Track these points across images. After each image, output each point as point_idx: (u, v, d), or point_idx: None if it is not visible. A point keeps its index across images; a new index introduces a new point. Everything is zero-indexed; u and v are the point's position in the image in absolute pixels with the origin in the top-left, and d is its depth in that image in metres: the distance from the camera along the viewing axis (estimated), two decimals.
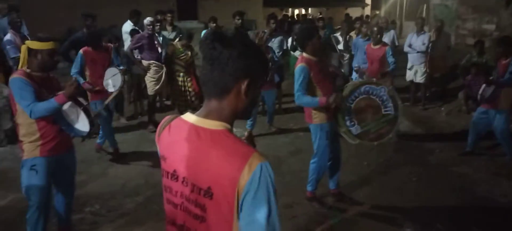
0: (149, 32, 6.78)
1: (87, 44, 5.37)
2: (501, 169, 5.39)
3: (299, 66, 3.96)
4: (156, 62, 6.90)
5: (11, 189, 4.78)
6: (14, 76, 3.20)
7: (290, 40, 8.11)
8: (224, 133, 1.39)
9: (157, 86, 7.02)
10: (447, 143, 6.40)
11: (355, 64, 7.41)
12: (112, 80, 5.20)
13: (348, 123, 4.35)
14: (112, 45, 5.80)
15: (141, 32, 7.02)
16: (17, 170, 5.31)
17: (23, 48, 3.29)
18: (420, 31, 8.24)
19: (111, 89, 5.23)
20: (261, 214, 1.28)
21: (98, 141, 5.81)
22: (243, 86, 1.39)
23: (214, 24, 8.32)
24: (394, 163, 5.69)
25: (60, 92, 3.19)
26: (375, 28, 6.79)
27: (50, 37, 3.32)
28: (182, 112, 7.38)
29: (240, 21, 7.62)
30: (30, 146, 3.28)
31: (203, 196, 1.36)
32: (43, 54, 3.20)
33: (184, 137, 1.42)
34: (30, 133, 3.26)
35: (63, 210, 3.67)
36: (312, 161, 4.34)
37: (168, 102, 8.49)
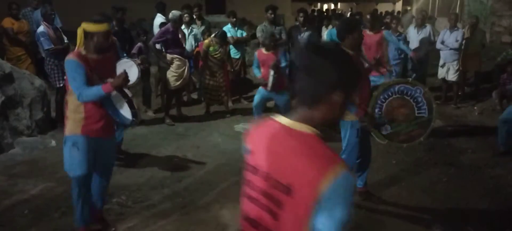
0: (175, 26, 6.78)
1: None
2: None
3: None
4: (180, 57, 6.90)
5: (41, 178, 4.90)
6: (69, 57, 3.30)
7: (325, 35, 8.04)
8: (314, 137, 1.41)
9: (179, 82, 6.97)
10: (480, 143, 6.20)
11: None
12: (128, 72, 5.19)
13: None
14: (115, 39, 5.59)
15: (166, 26, 7.01)
16: (47, 159, 5.47)
17: (80, 30, 3.34)
18: (453, 27, 7.99)
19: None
20: (337, 222, 1.29)
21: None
22: (336, 97, 1.41)
23: (234, 19, 8.24)
24: (423, 162, 5.54)
25: (108, 81, 3.27)
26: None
27: (104, 18, 3.39)
28: (209, 107, 7.40)
29: (272, 15, 7.57)
30: (74, 123, 3.38)
31: (281, 192, 1.37)
32: (99, 37, 3.28)
33: (273, 134, 1.45)
34: (76, 111, 3.37)
35: (98, 193, 3.74)
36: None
37: (195, 96, 8.53)
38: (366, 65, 4.84)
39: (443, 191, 4.76)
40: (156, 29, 7.83)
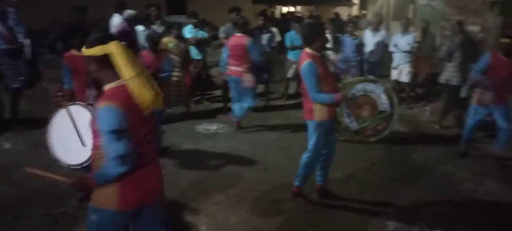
0: (130, 26, 6.67)
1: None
2: (484, 168, 5.49)
3: (307, 63, 3.90)
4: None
5: None
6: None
7: (288, 37, 8.18)
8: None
9: None
10: (431, 142, 6.50)
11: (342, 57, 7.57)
12: None
13: (346, 119, 4.39)
14: None
15: (122, 26, 6.88)
16: (1, 162, 5.28)
17: None
18: (405, 31, 8.34)
19: None
20: None
21: None
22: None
23: (195, 20, 8.22)
24: (378, 161, 5.75)
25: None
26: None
27: None
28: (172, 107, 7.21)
29: (237, 16, 7.61)
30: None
31: None
32: None
33: None
34: None
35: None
36: (305, 155, 4.31)
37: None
38: (332, 68, 5.00)
39: (397, 187, 4.96)
40: (113, 30, 7.69)
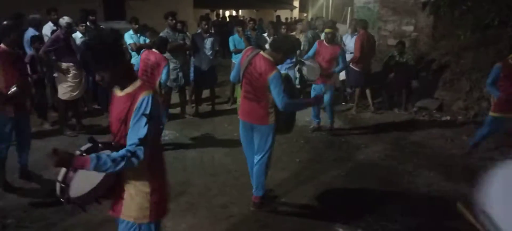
0: (65, 33, 6.41)
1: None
2: (422, 161, 5.78)
3: (276, 73, 3.85)
4: (75, 65, 6.52)
5: None
6: None
7: (231, 41, 8.17)
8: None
9: (75, 93, 6.62)
10: (373, 139, 6.75)
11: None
12: None
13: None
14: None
15: (56, 33, 6.57)
16: None
17: None
18: (353, 32, 8.63)
19: None
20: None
21: None
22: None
23: (136, 26, 8.03)
24: (324, 159, 5.88)
25: None
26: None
27: None
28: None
29: (173, 21, 7.48)
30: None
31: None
32: None
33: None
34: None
35: None
36: (259, 161, 4.21)
37: (98, 107, 8.12)
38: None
39: (343, 185, 5.10)
40: (45, 38, 7.30)
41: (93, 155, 2.11)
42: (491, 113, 5.66)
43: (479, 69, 8.32)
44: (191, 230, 4.03)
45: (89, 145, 2.28)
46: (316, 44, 6.76)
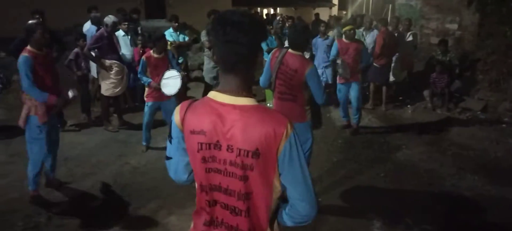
0: (109, 31, 6.58)
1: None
2: (465, 164, 5.57)
3: (313, 68, 3.87)
4: (118, 62, 6.71)
5: None
6: None
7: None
8: (258, 106, 1.59)
9: (118, 89, 6.79)
10: (414, 140, 6.56)
11: (315, 63, 7.48)
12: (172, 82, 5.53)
13: None
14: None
15: (100, 31, 6.75)
16: None
17: None
18: (369, 29, 8.43)
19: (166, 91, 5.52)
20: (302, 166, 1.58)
21: None
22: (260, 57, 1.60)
23: (176, 24, 8.14)
24: (362, 159, 5.78)
25: None
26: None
27: None
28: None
29: None
30: None
31: (251, 157, 1.53)
32: None
33: (220, 112, 1.56)
34: None
35: None
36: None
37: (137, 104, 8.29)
38: None
39: (382, 186, 4.99)
40: (87, 35, 7.50)
41: None
42: None
43: None
44: None
45: None
46: (336, 43, 6.79)
